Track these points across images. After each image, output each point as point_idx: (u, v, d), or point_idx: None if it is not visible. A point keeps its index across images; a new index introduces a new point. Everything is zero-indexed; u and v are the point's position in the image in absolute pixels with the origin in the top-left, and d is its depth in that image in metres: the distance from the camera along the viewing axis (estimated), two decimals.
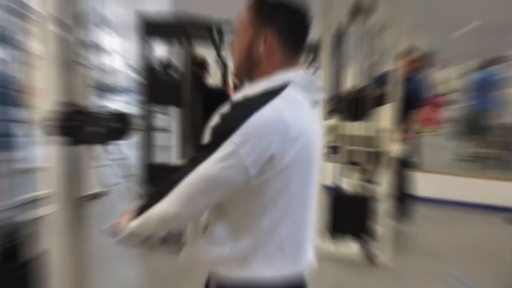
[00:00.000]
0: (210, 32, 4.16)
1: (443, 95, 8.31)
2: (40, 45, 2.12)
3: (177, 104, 3.91)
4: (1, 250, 2.30)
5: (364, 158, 4.09)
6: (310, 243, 1.35)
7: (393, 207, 4.22)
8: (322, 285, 3.59)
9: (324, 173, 1.38)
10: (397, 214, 4.67)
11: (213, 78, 4.75)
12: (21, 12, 2.43)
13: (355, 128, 4.10)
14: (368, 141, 4.05)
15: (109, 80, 9.27)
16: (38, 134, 2.17)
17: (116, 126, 2.19)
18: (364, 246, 3.98)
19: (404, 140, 4.56)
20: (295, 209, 1.24)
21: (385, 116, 3.97)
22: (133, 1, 8.37)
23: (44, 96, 2.11)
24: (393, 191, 4.09)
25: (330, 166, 4.08)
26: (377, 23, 3.99)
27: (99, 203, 5.42)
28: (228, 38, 4.37)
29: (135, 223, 1.26)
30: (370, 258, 3.99)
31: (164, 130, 5.10)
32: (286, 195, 1.19)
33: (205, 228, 1.31)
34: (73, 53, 2.16)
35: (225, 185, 1.13)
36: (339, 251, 4.04)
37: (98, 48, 7.21)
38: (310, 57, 4.67)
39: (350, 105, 4.03)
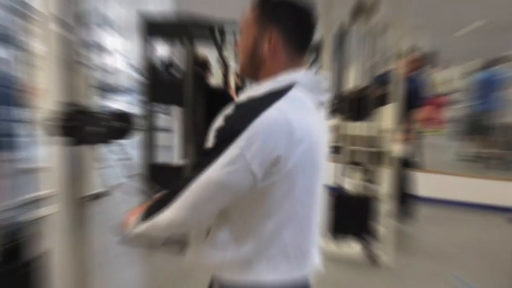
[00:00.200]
0: (212, 32, 4.16)
1: (445, 95, 8.29)
2: (42, 45, 2.12)
3: (179, 103, 3.91)
4: (3, 250, 2.31)
5: (366, 158, 4.09)
6: (315, 247, 1.33)
7: (395, 207, 4.22)
8: (324, 285, 3.59)
9: (326, 173, 1.35)
10: (399, 214, 4.67)
11: (215, 78, 4.76)
12: (23, 12, 2.44)
13: (357, 128, 4.10)
14: (370, 141, 4.05)
15: (111, 80, 9.28)
16: (40, 134, 2.17)
17: (118, 126, 2.19)
18: (366, 247, 3.98)
19: (406, 140, 4.56)
20: (299, 212, 1.22)
21: (387, 116, 3.97)
22: (135, 1, 8.38)
23: (46, 96, 2.11)
24: (395, 191, 4.09)
25: (331, 166, 4.08)
26: (379, 22, 3.99)
27: (102, 203, 5.42)
28: (229, 38, 4.38)
29: (142, 228, 1.24)
30: (372, 259, 3.98)
31: (166, 130, 5.10)
32: (291, 199, 1.17)
33: (208, 232, 1.28)
34: (75, 53, 2.16)
35: (232, 189, 1.11)
36: (340, 251, 4.03)
37: (100, 48, 7.22)
38: (312, 57, 4.67)
39: (352, 105, 4.03)
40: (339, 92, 4.28)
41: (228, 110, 1.16)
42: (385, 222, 3.99)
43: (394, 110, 3.90)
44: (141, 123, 3.90)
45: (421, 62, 4.77)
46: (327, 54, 3.95)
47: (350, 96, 4.09)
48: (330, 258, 4.02)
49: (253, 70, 1.27)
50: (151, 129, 4.11)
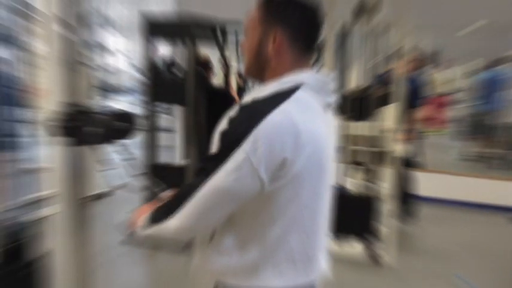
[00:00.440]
0: (214, 32, 4.16)
1: (447, 94, 8.28)
2: (44, 45, 2.13)
3: (181, 103, 3.92)
4: (5, 250, 2.31)
5: (368, 157, 4.08)
6: (322, 252, 1.32)
7: (397, 207, 4.21)
8: (326, 285, 3.59)
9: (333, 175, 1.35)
10: (401, 214, 4.66)
11: (218, 78, 4.76)
12: (25, 13, 2.45)
13: (359, 127, 4.10)
14: (372, 141, 4.05)
15: (113, 80, 9.30)
16: (42, 134, 2.17)
17: (120, 126, 2.20)
18: (368, 247, 3.98)
19: (407, 140, 4.56)
20: (306, 217, 1.19)
21: (389, 115, 3.96)
22: (137, 1, 8.40)
23: (48, 96, 2.12)
24: (397, 191, 4.09)
25: (333, 166, 4.07)
26: (381, 22, 3.99)
27: (104, 203, 5.43)
28: (231, 38, 4.38)
29: (148, 232, 1.23)
30: (374, 259, 3.98)
31: (168, 130, 5.11)
32: (297, 203, 1.15)
33: (212, 237, 1.25)
34: (77, 53, 2.17)
35: (239, 195, 1.10)
36: (342, 251, 4.03)
37: (102, 48, 7.23)
38: (314, 57, 4.68)
39: (354, 105, 4.02)
40: (341, 91, 4.28)
41: (233, 112, 1.14)
42: (387, 222, 3.99)
43: (396, 109, 3.91)
44: (143, 124, 3.90)
45: (422, 61, 4.77)
46: (328, 54, 3.95)
47: (352, 96, 4.09)
48: (331, 258, 4.02)
49: (258, 70, 1.25)
50: (153, 130, 4.11)
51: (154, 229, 1.21)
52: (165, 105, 4.67)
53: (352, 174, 4.21)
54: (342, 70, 4.22)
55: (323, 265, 1.33)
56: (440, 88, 8.02)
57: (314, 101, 1.19)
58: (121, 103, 9.22)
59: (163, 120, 4.67)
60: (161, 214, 1.19)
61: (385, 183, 4.03)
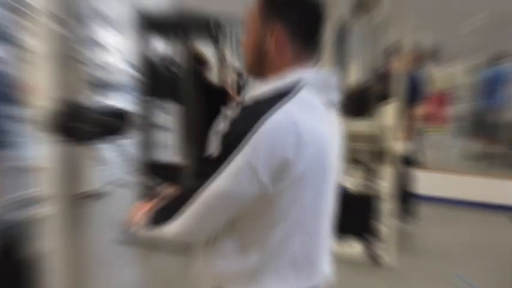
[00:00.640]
0: (210, 28, 4.17)
1: (448, 91, 8.28)
2: (37, 42, 2.13)
3: (177, 100, 3.92)
4: None
5: (367, 156, 4.09)
6: (326, 255, 1.31)
7: (397, 206, 4.23)
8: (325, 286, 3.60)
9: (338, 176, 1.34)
10: (401, 213, 4.68)
11: (214, 75, 4.77)
12: (18, 8, 2.45)
13: (358, 125, 4.11)
14: (371, 139, 4.05)
15: (107, 77, 9.28)
16: (36, 132, 2.18)
17: (115, 124, 2.21)
18: (368, 247, 3.99)
19: (408, 138, 4.57)
20: (309, 220, 1.18)
21: (389, 113, 3.98)
22: None
23: (41, 93, 2.12)
24: (397, 189, 4.10)
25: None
26: (381, 18, 4.00)
27: (99, 202, 5.43)
28: (228, 34, 4.39)
29: (147, 233, 1.24)
30: (373, 259, 4.00)
31: (164, 128, 5.11)
32: (299, 206, 1.14)
33: (213, 240, 1.24)
34: (71, 50, 2.18)
35: (240, 200, 1.10)
36: (342, 251, 4.04)
37: (96, 44, 7.22)
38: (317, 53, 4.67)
39: (353, 102, 4.03)
40: (340, 88, 4.29)
41: (233, 112, 1.14)
42: (387, 221, 4.00)
43: (395, 107, 3.92)
44: (138, 121, 3.91)
45: (422, 57, 4.78)
46: (327, 51, 3.96)
47: (351, 93, 4.10)
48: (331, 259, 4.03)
49: (258, 68, 1.24)
50: (148, 127, 4.12)
51: (154, 231, 1.21)
52: (160, 103, 4.66)
53: (351, 172, 4.22)
54: (341, 67, 4.23)
55: (326, 269, 1.33)
56: (441, 85, 8.01)
57: (316, 99, 1.18)
58: (115, 100, 9.21)
59: (159, 118, 4.67)
60: (161, 217, 1.19)
61: (385, 182, 4.03)
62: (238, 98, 4.57)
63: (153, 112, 4.18)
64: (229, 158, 1.06)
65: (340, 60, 4.19)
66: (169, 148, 5.10)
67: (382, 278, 3.79)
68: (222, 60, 4.44)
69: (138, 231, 1.28)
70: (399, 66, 3.86)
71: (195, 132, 3.89)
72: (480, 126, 7.56)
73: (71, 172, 2.20)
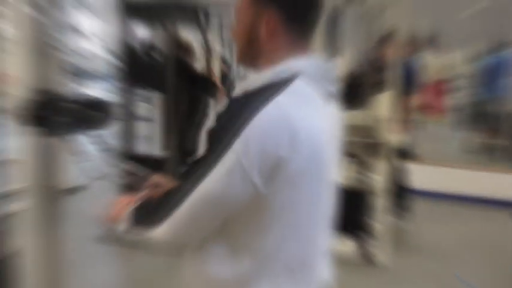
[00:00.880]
0: (196, 14, 4.17)
1: (447, 80, 8.29)
2: (12, 28, 2.14)
3: (160, 89, 3.93)
4: None
5: (360, 149, 4.11)
6: (324, 259, 1.30)
7: (392, 201, 4.26)
8: None
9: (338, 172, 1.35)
10: (396, 209, 4.68)
11: (200, 64, 4.78)
12: None
13: (351, 117, 4.13)
14: (364, 130, 4.07)
15: (87, 65, 9.26)
16: (10, 123, 2.19)
17: (94, 115, 2.22)
18: (361, 245, 4.01)
19: (403, 130, 4.58)
20: (304, 222, 1.14)
21: (383, 103, 3.99)
22: None
23: (16, 83, 2.13)
24: (392, 184, 4.12)
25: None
26: (375, 3, 4.01)
27: (78, 197, 5.42)
28: (215, 20, 4.39)
29: (130, 232, 1.22)
30: (367, 257, 4.01)
31: (146, 119, 5.12)
32: (294, 208, 1.10)
33: (203, 244, 1.19)
34: (48, 37, 2.18)
35: (231, 202, 1.06)
36: (333, 249, 4.07)
37: (75, 31, 7.20)
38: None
39: (345, 93, 4.05)
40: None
41: (221, 106, 1.11)
42: (381, 218, 4.01)
43: (390, 97, 3.93)
44: (119, 112, 3.92)
45: (419, 45, 4.80)
46: (319, 38, 3.97)
47: (343, 83, 4.11)
48: None
49: (250, 57, 1.21)
50: (130, 118, 4.13)
51: (137, 231, 1.20)
52: (143, 92, 4.67)
53: (343, 166, 4.24)
54: (333, 55, 4.25)
55: (324, 273, 1.31)
56: (439, 74, 8.01)
57: (313, 91, 1.14)
58: (95, 90, 9.18)
59: (141, 108, 4.68)
60: (146, 218, 1.17)
61: (379, 176, 4.03)
62: (222, 88, 4.58)
63: (134, 102, 4.19)
64: (218, 156, 1.02)
65: (332, 48, 4.21)
66: (151, 140, 5.12)
67: (375, 278, 3.80)
68: (207, 48, 4.44)
69: (118, 229, 1.25)
70: (394, 54, 3.88)
71: (177, 122, 3.90)
72: (480, 117, 7.57)
73: (46, 165, 2.21)
